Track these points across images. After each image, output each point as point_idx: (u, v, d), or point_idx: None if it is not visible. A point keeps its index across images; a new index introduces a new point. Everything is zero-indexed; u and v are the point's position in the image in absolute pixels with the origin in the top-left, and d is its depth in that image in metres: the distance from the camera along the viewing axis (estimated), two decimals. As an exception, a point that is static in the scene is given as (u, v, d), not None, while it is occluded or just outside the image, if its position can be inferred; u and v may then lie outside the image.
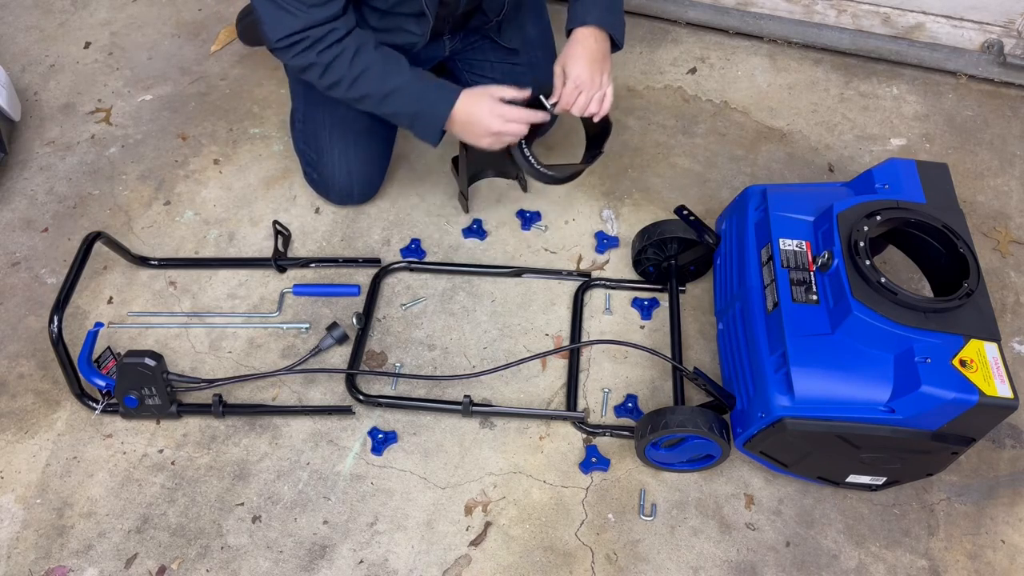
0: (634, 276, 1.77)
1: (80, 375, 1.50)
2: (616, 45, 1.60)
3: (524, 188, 1.91)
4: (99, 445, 1.52)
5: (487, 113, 1.53)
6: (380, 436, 1.53)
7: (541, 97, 1.59)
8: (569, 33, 1.57)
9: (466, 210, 1.87)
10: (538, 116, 1.57)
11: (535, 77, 1.73)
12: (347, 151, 1.77)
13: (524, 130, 1.57)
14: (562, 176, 1.66)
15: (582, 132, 1.71)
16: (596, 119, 1.60)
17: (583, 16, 1.55)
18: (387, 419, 1.56)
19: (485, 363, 1.63)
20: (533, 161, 1.61)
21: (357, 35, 1.52)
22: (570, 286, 1.75)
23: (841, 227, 1.36)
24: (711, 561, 1.39)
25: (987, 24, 2.11)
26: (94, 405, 1.53)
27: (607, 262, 1.80)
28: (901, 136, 2.06)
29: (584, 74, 1.53)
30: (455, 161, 1.81)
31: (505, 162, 1.88)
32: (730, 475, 1.49)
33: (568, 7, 1.60)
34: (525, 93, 1.57)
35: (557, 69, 1.57)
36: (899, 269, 1.69)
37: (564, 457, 1.51)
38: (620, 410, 1.57)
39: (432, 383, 1.61)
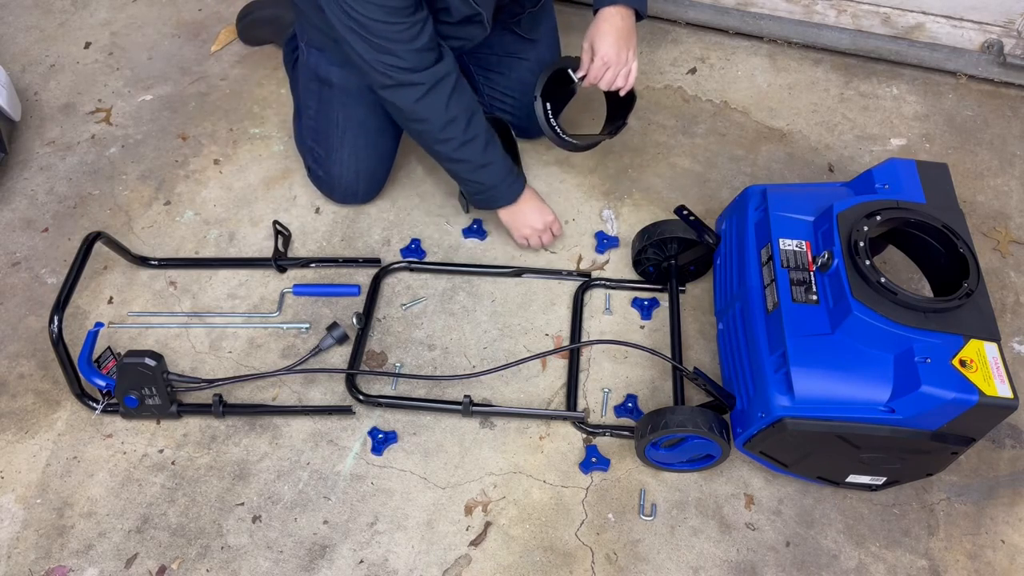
0: (634, 276, 1.77)
1: (80, 375, 1.50)
2: (640, 16, 1.66)
3: None
4: (99, 445, 1.52)
5: (529, 228, 1.73)
6: (380, 436, 1.53)
7: (569, 71, 1.67)
8: (596, 11, 1.63)
9: (466, 210, 1.87)
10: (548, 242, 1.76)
11: (558, 58, 1.81)
12: (358, 151, 1.77)
13: (549, 241, 1.76)
14: (584, 144, 1.76)
15: (601, 105, 1.80)
16: (623, 93, 1.68)
17: None
18: (387, 419, 1.56)
19: (485, 363, 1.63)
20: (559, 131, 1.70)
21: (472, 97, 1.59)
22: (570, 286, 1.75)
23: (841, 227, 1.36)
24: (711, 561, 1.39)
25: (987, 24, 2.11)
26: (94, 405, 1.53)
27: (607, 262, 1.80)
28: (901, 136, 2.06)
29: (611, 51, 1.59)
30: None
31: None
32: (730, 475, 1.49)
33: None
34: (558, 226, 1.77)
35: (585, 45, 1.64)
36: (899, 269, 1.69)
37: (564, 457, 1.51)
38: (620, 410, 1.57)
39: (432, 383, 1.61)
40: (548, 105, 1.70)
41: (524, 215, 1.71)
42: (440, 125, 1.55)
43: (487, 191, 1.67)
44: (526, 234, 1.73)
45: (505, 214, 1.72)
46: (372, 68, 1.48)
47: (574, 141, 1.73)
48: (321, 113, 1.77)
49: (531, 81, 1.72)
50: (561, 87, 1.73)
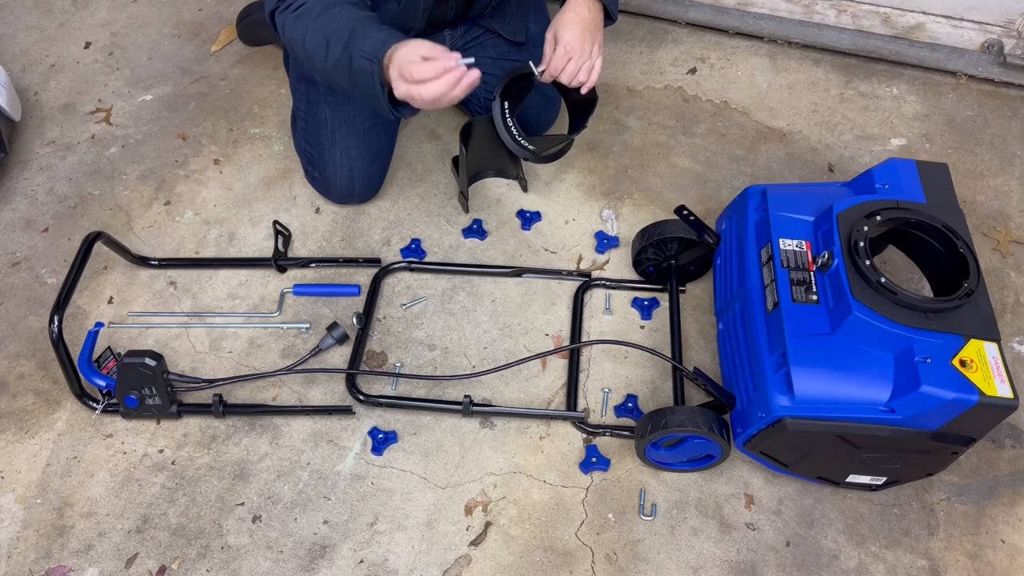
0: (634, 276, 1.77)
1: (80, 375, 1.50)
2: (610, 18, 1.59)
3: (524, 188, 1.91)
4: (99, 445, 1.52)
5: (395, 76, 1.34)
6: (380, 436, 1.53)
7: (530, 63, 1.57)
8: (563, 2, 1.55)
9: (466, 210, 1.87)
10: (451, 74, 1.31)
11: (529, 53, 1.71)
12: (349, 150, 1.77)
13: (438, 90, 1.31)
14: (541, 152, 1.65)
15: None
16: (584, 90, 1.57)
17: None
18: (387, 419, 1.56)
19: (485, 363, 1.63)
20: (515, 133, 1.60)
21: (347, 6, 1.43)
22: (570, 286, 1.75)
23: (841, 227, 1.36)
24: (711, 561, 1.39)
25: (987, 24, 2.11)
26: (94, 405, 1.53)
27: (607, 262, 1.80)
28: (901, 136, 2.06)
29: (575, 41, 1.50)
30: (455, 161, 1.81)
31: (505, 162, 1.88)
32: (730, 475, 1.49)
33: None
34: (454, 57, 1.34)
35: (548, 36, 1.54)
36: (899, 269, 1.69)
37: (564, 457, 1.51)
38: (620, 410, 1.57)
39: (432, 383, 1.61)
40: (507, 104, 1.62)
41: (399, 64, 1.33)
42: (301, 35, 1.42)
43: (370, 74, 1.35)
44: (409, 75, 1.30)
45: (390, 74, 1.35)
46: None
47: (530, 147, 1.65)
48: (310, 113, 1.77)
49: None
50: (526, 89, 1.65)
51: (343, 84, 1.47)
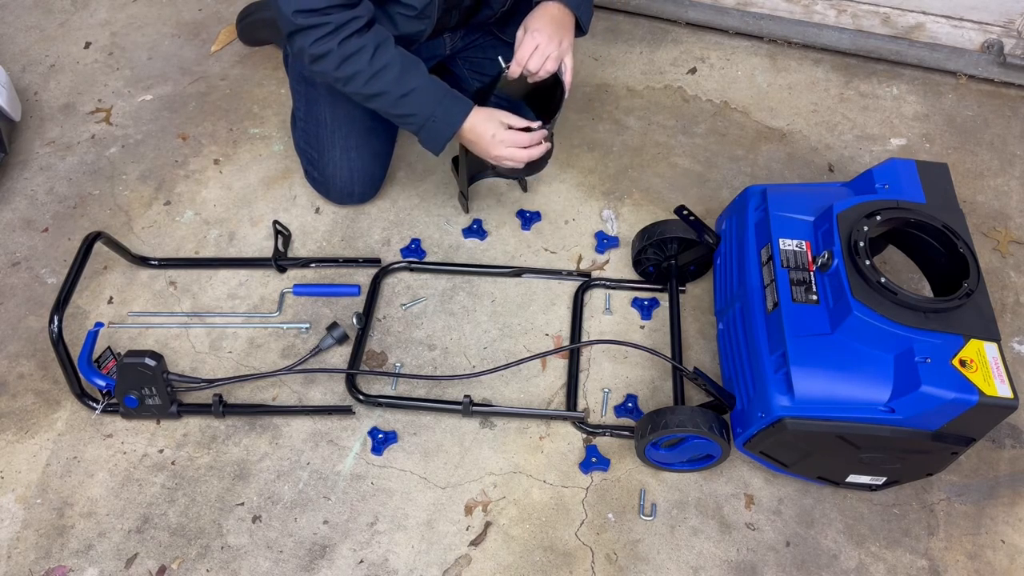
0: (634, 276, 1.77)
1: (80, 375, 1.50)
2: (580, 28, 1.62)
3: (524, 188, 1.91)
4: (99, 445, 1.52)
5: (490, 138, 1.55)
6: (380, 436, 1.53)
7: (499, 58, 1.60)
8: (535, 4, 1.59)
9: (466, 210, 1.87)
10: (537, 150, 1.58)
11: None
12: (348, 150, 1.76)
13: (523, 158, 1.58)
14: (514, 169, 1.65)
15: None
16: (546, 76, 1.57)
17: None
18: (387, 419, 1.56)
19: (485, 363, 1.63)
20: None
21: (378, 30, 1.50)
22: (570, 286, 1.75)
23: (841, 227, 1.36)
24: (711, 561, 1.39)
25: (987, 24, 2.11)
26: (94, 405, 1.53)
27: (607, 262, 1.80)
28: (901, 136, 2.06)
29: (544, 30, 1.54)
30: (455, 161, 1.80)
31: None
32: (730, 475, 1.49)
33: None
34: (534, 125, 1.57)
35: (519, 32, 1.58)
36: (899, 269, 1.69)
37: (564, 457, 1.51)
38: (620, 410, 1.57)
39: (432, 383, 1.61)
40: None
41: (475, 144, 1.58)
42: (337, 62, 1.46)
43: (425, 121, 1.53)
44: (499, 151, 1.57)
45: (466, 140, 1.59)
46: (280, 11, 1.42)
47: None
48: (310, 114, 1.77)
49: (527, 85, 1.68)
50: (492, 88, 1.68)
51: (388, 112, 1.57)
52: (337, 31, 1.44)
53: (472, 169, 1.86)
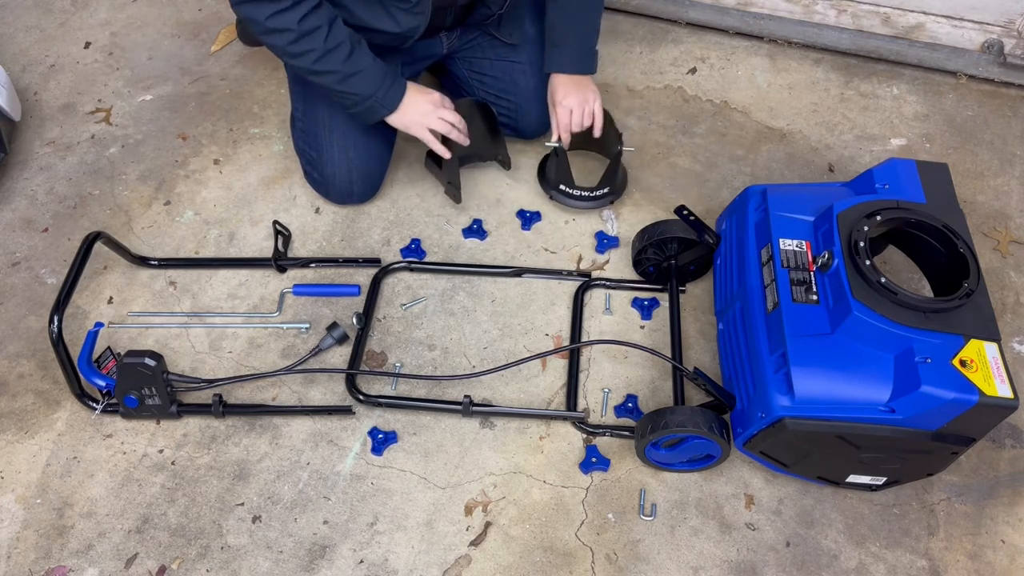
0: (634, 276, 1.77)
1: (80, 375, 1.50)
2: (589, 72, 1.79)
3: (507, 166, 1.92)
4: (99, 445, 1.52)
5: (424, 104, 1.66)
6: (380, 436, 1.53)
7: (547, 143, 1.80)
8: (548, 75, 1.78)
9: (458, 200, 1.85)
10: (456, 133, 1.71)
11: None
12: (347, 150, 1.76)
13: (448, 125, 1.68)
14: (592, 194, 1.85)
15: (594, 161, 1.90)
16: (596, 133, 1.80)
17: (560, 66, 1.75)
18: (387, 419, 1.56)
19: (485, 363, 1.63)
20: (564, 190, 1.84)
21: (328, 7, 1.52)
22: (570, 286, 1.75)
23: (841, 227, 1.36)
24: (711, 561, 1.39)
25: (987, 24, 2.11)
26: (94, 405, 1.53)
27: (607, 262, 1.80)
28: (901, 136, 2.06)
29: (571, 96, 1.74)
30: (430, 155, 1.80)
31: (486, 143, 1.88)
32: (730, 475, 1.49)
33: (545, 51, 1.76)
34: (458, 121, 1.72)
35: (549, 104, 1.78)
36: (899, 269, 1.69)
37: (564, 457, 1.51)
38: (620, 410, 1.57)
39: (432, 383, 1.61)
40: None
41: (411, 109, 1.66)
42: (294, 37, 1.48)
43: (364, 101, 1.61)
44: (425, 123, 1.67)
45: (394, 120, 1.67)
46: None
47: (583, 193, 1.83)
48: (308, 114, 1.77)
49: (524, 83, 1.79)
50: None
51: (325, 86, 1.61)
52: (296, 7, 1.45)
53: (458, 153, 1.83)
